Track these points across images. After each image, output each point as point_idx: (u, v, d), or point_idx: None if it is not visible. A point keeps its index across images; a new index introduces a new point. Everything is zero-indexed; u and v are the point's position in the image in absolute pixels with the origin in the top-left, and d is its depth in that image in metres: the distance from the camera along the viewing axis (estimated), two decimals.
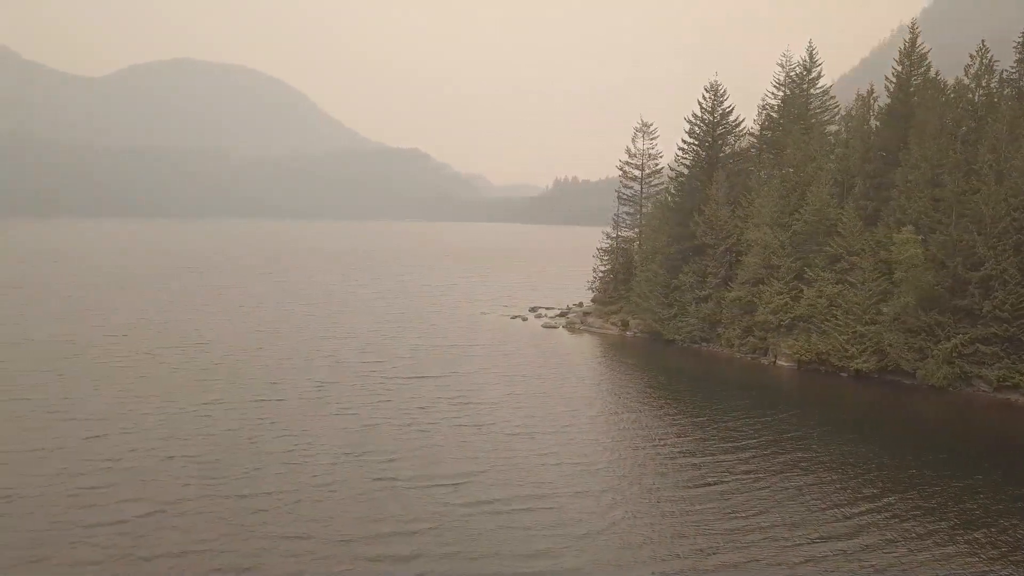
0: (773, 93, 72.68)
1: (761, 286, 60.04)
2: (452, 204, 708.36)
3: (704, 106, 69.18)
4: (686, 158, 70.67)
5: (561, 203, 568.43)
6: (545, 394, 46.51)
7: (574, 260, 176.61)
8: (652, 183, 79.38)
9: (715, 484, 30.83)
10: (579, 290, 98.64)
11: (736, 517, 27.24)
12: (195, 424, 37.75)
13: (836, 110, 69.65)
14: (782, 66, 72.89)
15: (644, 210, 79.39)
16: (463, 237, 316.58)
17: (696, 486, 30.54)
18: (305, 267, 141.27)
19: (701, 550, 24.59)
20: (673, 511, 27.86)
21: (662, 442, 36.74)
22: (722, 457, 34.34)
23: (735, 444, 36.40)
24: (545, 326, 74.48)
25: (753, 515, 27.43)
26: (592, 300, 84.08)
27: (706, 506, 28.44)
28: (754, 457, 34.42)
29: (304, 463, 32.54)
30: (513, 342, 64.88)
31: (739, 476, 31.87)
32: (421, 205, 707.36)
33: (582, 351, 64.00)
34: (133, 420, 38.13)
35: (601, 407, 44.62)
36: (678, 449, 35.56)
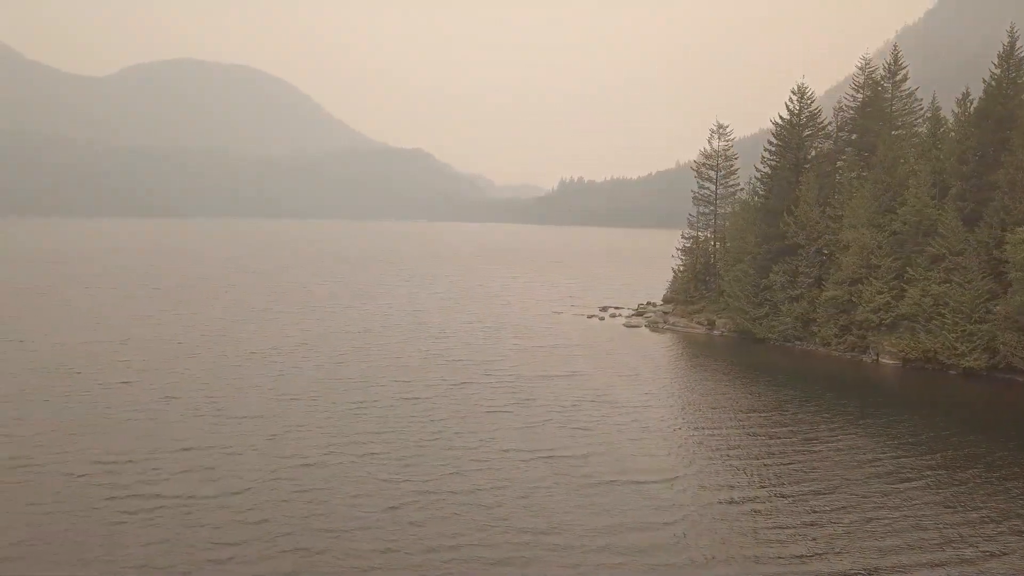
0: (853, 96, 73.35)
1: (859, 285, 60.57)
2: (454, 204, 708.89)
3: (791, 108, 69.79)
4: (772, 159, 71.27)
5: (566, 204, 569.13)
6: (683, 395, 46.86)
7: (608, 261, 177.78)
8: (728, 184, 79.98)
9: (935, 489, 31.14)
10: (638, 289, 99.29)
11: (978, 523, 27.63)
12: (358, 424, 37.78)
13: (921, 112, 70.25)
14: (861, 69, 73.64)
15: (719, 210, 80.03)
16: (477, 238, 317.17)
17: (908, 488, 30.85)
18: (345, 269, 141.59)
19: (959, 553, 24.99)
20: (915, 515, 27.95)
21: (835, 440, 36.94)
22: (906, 460, 34.59)
23: (901, 444, 36.68)
24: (627, 325, 74.90)
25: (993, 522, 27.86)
26: (663, 299, 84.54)
27: (932, 508, 28.83)
28: (942, 464, 34.60)
29: (498, 461, 32.58)
30: (606, 342, 65.22)
31: (935, 474, 32.31)
32: (423, 205, 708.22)
33: (681, 351, 64.39)
34: (296, 420, 38.20)
35: (747, 407, 44.07)
36: (861, 451, 35.62)
